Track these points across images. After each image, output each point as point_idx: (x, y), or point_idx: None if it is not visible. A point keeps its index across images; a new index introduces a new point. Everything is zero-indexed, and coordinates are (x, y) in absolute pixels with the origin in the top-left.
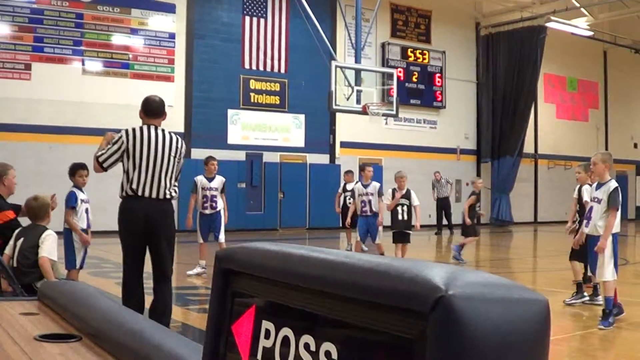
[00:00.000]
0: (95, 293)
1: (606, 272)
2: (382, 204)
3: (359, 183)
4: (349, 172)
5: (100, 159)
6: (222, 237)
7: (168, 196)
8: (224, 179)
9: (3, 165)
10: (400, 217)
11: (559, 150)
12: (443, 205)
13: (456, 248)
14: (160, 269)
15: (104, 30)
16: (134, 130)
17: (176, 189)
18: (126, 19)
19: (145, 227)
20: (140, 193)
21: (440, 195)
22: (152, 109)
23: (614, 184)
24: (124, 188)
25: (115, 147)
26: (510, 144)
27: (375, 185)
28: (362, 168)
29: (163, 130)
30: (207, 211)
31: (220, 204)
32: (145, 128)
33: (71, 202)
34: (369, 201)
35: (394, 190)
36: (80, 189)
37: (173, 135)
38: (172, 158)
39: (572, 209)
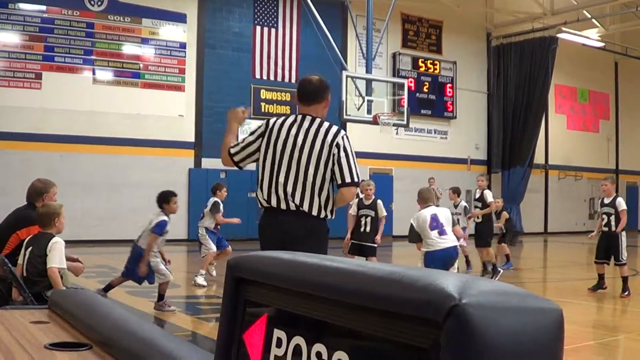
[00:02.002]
0: (105, 301)
1: None
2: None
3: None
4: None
5: (232, 151)
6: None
7: (314, 212)
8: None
9: (46, 182)
10: (362, 228)
11: (570, 161)
12: None
13: None
14: None
15: (114, 39)
16: (277, 120)
17: (327, 200)
18: (137, 28)
19: (284, 249)
20: (272, 203)
21: None
22: (302, 92)
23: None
24: (257, 197)
25: (252, 138)
26: (521, 154)
27: (462, 205)
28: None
29: (312, 120)
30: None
31: None
32: (291, 118)
33: (161, 229)
34: (458, 220)
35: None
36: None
37: (328, 127)
38: (314, 160)
39: None
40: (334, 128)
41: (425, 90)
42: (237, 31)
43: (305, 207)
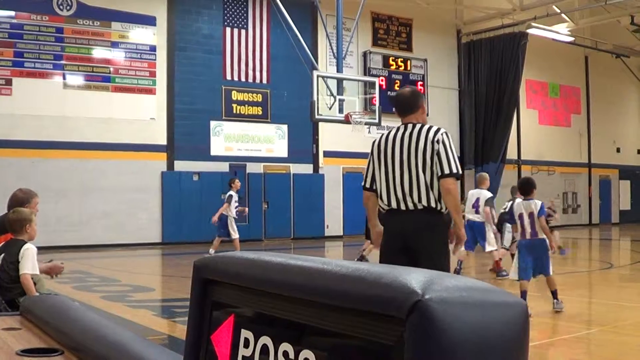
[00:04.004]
0: (77, 307)
1: None
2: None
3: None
4: None
5: (363, 184)
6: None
7: (432, 204)
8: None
9: (28, 192)
10: None
11: (542, 156)
12: None
13: None
14: None
15: (84, 44)
16: (381, 135)
17: (440, 194)
18: (106, 32)
19: (404, 245)
20: (393, 205)
21: None
22: (398, 105)
23: None
24: (380, 205)
25: (369, 162)
26: (493, 150)
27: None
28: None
29: (414, 126)
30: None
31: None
32: (394, 129)
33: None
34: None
35: None
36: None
37: (429, 127)
38: (421, 156)
39: None
40: (435, 127)
41: (397, 88)
42: (207, 33)
43: (424, 202)
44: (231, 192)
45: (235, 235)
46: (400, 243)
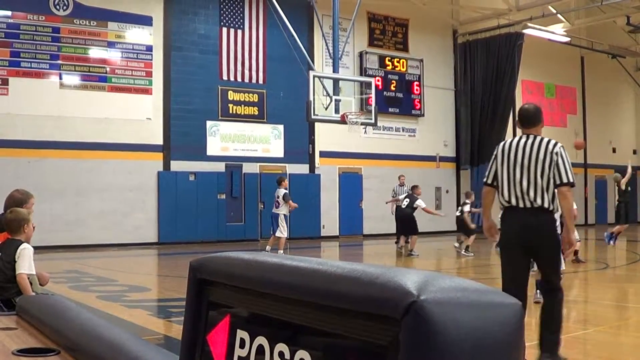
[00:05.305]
0: (73, 306)
1: None
2: None
3: None
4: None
5: (485, 180)
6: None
7: (545, 205)
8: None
9: (25, 193)
10: None
11: None
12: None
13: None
14: (544, 280)
15: (80, 43)
16: (505, 141)
17: (553, 196)
18: (103, 32)
19: (522, 239)
20: (513, 203)
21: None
22: (523, 118)
23: None
24: (500, 200)
25: (492, 162)
26: (490, 150)
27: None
28: None
29: (535, 137)
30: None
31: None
32: (517, 137)
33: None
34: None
35: None
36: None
37: (548, 140)
38: (540, 164)
39: None
40: (553, 141)
41: (393, 88)
42: (203, 33)
43: (538, 202)
44: (285, 190)
45: (284, 233)
46: (518, 237)
